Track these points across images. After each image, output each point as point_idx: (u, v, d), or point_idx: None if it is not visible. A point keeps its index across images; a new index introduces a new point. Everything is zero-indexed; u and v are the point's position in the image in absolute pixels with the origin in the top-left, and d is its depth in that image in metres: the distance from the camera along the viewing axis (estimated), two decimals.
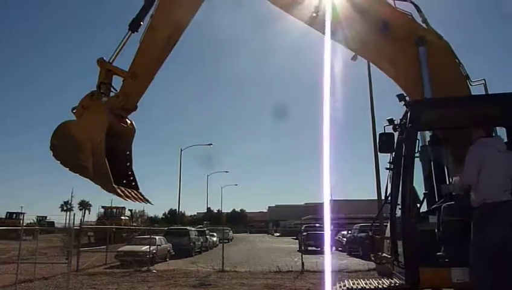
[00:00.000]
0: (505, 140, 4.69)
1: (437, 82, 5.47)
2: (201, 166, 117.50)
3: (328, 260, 15.76)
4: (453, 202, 4.81)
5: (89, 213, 79.32)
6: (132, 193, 6.82)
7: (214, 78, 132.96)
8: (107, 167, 6.35)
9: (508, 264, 4.05)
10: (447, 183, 5.60)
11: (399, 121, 5.28)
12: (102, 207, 43.67)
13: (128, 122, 7.13)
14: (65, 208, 70.21)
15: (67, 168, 6.88)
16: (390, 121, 5.38)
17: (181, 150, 41.86)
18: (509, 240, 4.08)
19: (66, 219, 54.17)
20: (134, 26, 6.88)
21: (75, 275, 13.75)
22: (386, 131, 5.33)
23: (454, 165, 5.43)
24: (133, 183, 7.01)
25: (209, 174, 62.63)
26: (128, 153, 7.12)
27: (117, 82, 7.06)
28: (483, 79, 5.44)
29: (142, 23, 6.87)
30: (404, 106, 4.97)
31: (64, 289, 9.93)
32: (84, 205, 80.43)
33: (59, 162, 6.87)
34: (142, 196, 7.01)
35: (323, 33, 6.05)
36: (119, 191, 6.50)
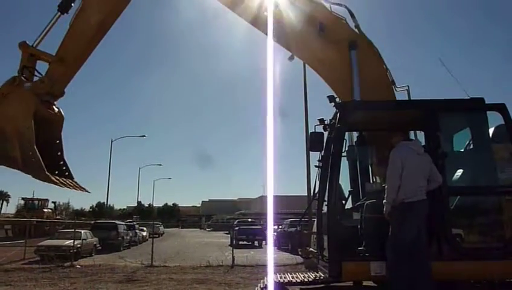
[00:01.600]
0: (423, 143, 5.09)
1: (365, 86, 5.75)
2: (133, 158, 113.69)
3: (271, 255, 15.97)
4: (375, 200, 5.10)
5: (7, 205, 73.36)
6: (67, 181, 6.42)
7: (151, 69, 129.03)
8: (38, 155, 5.86)
9: (420, 258, 4.39)
10: (371, 182, 5.95)
11: (329, 121, 5.49)
12: (23, 199, 40.60)
13: (56, 109, 6.66)
14: None
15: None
16: (321, 121, 5.58)
17: (112, 141, 40.19)
18: (422, 236, 4.43)
19: None
20: (64, 7, 6.43)
21: None
22: (317, 130, 5.54)
23: (378, 165, 5.77)
24: (67, 173, 6.58)
25: (141, 167, 60.96)
26: (58, 141, 6.66)
27: (42, 67, 6.56)
28: (407, 85, 5.85)
29: (72, 4, 6.44)
30: (334, 107, 5.17)
31: None
32: (2, 196, 74.21)
33: None
34: (78, 184, 6.64)
35: (265, 33, 6.12)
36: (54, 179, 6.06)
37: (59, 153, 6.61)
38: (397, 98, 5.85)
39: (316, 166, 5.67)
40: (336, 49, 5.95)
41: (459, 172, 4.96)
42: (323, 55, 6.05)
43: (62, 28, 6.52)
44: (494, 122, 4.89)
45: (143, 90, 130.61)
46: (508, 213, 4.64)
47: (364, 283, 5.52)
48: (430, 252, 4.53)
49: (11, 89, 6.22)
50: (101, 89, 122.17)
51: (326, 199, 5.07)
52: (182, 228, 68.66)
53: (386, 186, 4.63)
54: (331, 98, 5.17)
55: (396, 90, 5.92)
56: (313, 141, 5.23)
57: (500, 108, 4.75)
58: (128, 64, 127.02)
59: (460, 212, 4.74)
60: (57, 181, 6.12)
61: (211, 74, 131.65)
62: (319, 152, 5.57)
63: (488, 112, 4.83)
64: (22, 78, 6.29)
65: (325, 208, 5.15)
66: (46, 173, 5.90)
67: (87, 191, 6.75)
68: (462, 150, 5.31)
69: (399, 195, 4.51)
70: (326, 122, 5.53)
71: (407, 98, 5.77)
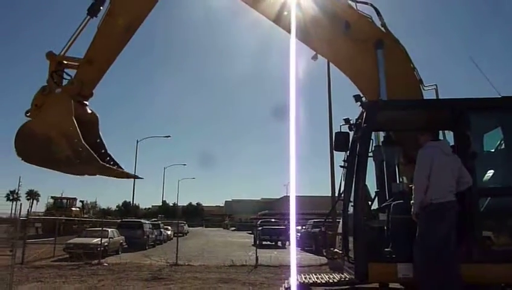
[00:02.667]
0: (451, 143, 4.97)
1: (392, 85, 5.66)
2: (158, 158, 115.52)
3: (294, 255, 15.94)
4: (402, 201, 5.02)
5: (37, 203, 75.71)
6: (120, 170, 6.67)
7: (177, 71, 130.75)
8: (89, 149, 6.07)
9: (449, 261, 4.29)
10: (398, 182, 5.85)
11: (355, 120, 5.44)
12: (52, 197, 41.87)
13: (89, 110, 6.86)
14: (11, 198, 66.51)
15: (47, 167, 6.50)
16: (347, 121, 5.53)
17: (137, 141, 40.95)
18: (451, 237, 4.33)
19: (12, 209, 51.47)
20: (93, 10, 6.60)
21: (20, 267, 13.11)
22: (342, 130, 5.49)
23: (405, 165, 5.67)
24: (116, 167, 6.80)
25: (166, 166, 61.85)
26: (99, 140, 6.86)
27: (71, 72, 6.75)
28: (435, 84, 5.72)
29: (101, 8, 6.60)
30: (360, 107, 5.12)
31: (7, 282, 9.44)
32: (32, 195, 76.65)
33: (33, 164, 6.47)
34: (129, 174, 6.92)
35: (288, 31, 6.11)
36: (110, 167, 6.34)
37: (103, 151, 6.80)
38: (425, 98, 5.74)
39: (341, 166, 5.62)
40: (361, 48, 5.88)
41: (490, 173, 4.83)
42: (349, 54, 6.00)
43: (87, 31, 6.70)
44: None
45: (168, 90, 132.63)
46: None
47: (391, 285, 5.46)
48: (459, 254, 4.43)
49: (43, 98, 6.42)
50: (126, 90, 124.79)
51: (352, 199, 5.02)
52: (205, 227, 69.24)
53: (413, 187, 4.55)
54: (357, 98, 5.11)
55: (424, 89, 5.81)
56: (338, 141, 5.19)
57: None
58: (153, 65, 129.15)
59: (490, 214, 4.62)
60: (115, 170, 6.34)
61: (235, 75, 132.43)
62: (344, 152, 5.52)
63: None
64: (53, 82, 6.48)
65: (350, 209, 5.10)
66: (102, 162, 6.10)
67: (141, 178, 7.35)
68: (493, 150, 5.15)
69: (427, 196, 4.43)
70: (351, 122, 5.48)
71: (435, 97, 5.64)
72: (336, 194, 6.11)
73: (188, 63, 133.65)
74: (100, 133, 6.92)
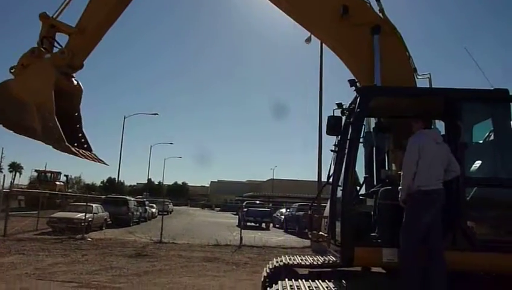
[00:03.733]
0: (443, 132, 5.01)
1: (386, 71, 5.64)
2: (145, 136, 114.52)
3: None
4: (389, 187, 5.06)
5: (20, 176, 74.70)
6: (87, 153, 6.47)
7: (170, 48, 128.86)
8: (59, 126, 5.88)
9: (433, 247, 4.36)
10: (387, 168, 5.90)
11: (348, 105, 5.42)
12: (36, 171, 41.36)
13: (75, 82, 6.67)
14: None
15: (12, 131, 6.31)
16: (339, 105, 5.51)
17: (124, 117, 40.45)
18: (437, 224, 4.40)
19: None
20: None
21: (3, 239, 13.02)
22: (335, 115, 5.47)
23: (395, 152, 5.70)
24: (85, 146, 6.62)
25: (153, 144, 61.45)
26: (77, 114, 6.68)
27: (62, 40, 6.54)
28: (429, 73, 5.73)
29: None
30: (355, 92, 5.09)
31: None
32: (15, 167, 75.55)
33: (3, 126, 6.29)
34: (97, 156, 6.67)
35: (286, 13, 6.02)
36: (74, 150, 6.10)
37: (78, 126, 6.63)
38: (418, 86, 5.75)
39: (331, 150, 5.62)
40: (358, 33, 5.82)
41: (478, 163, 4.88)
42: (346, 38, 5.94)
43: (79, 2, 6.49)
44: None
45: (157, 69, 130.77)
46: None
47: (373, 269, 5.56)
48: (445, 242, 4.51)
49: (30, 60, 6.21)
50: (119, 65, 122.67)
51: (341, 183, 5.04)
52: (190, 206, 69.40)
53: (402, 173, 4.58)
54: (351, 82, 5.08)
55: (417, 78, 5.81)
56: (331, 125, 5.16)
57: None
58: (146, 42, 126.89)
59: (476, 204, 4.68)
60: (77, 152, 6.15)
61: (225, 55, 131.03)
62: (335, 136, 5.52)
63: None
64: (42, 49, 6.29)
65: (339, 193, 5.13)
66: (67, 143, 5.93)
67: (105, 164, 6.75)
68: (482, 141, 5.21)
69: (415, 182, 4.47)
70: (344, 107, 5.47)
71: (428, 86, 5.65)
72: (325, 179, 6.12)
73: (181, 41, 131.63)
74: (80, 106, 6.73)
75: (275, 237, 19.92)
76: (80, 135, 6.59)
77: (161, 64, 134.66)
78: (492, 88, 4.82)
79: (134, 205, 25.68)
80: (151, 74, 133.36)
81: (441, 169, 4.46)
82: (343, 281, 4.59)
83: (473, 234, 4.52)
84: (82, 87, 6.74)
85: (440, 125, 5.62)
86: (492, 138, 5.00)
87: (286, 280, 4.65)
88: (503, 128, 4.79)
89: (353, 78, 5.59)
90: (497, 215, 4.75)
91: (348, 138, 4.97)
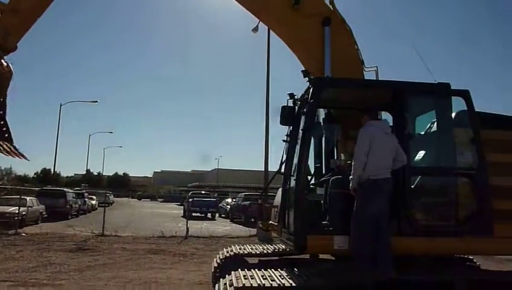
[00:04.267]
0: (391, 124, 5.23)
1: (336, 63, 5.75)
2: (83, 124, 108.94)
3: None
4: (339, 176, 5.20)
5: None
6: (4, 146, 5.87)
7: (109, 31, 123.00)
8: None
9: (382, 234, 4.55)
10: (336, 158, 6.05)
11: (300, 96, 5.47)
12: None
13: (4, 64, 6.07)
14: None
15: None
16: (291, 96, 5.54)
17: (61, 105, 38.14)
18: (385, 212, 4.59)
19: None
20: None
21: None
22: (286, 105, 5.49)
23: (344, 142, 5.86)
24: (6, 135, 6.01)
25: (92, 133, 58.73)
26: (2, 99, 6.08)
27: None
28: (376, 66, 5.92)
29: None
30: (308, 82, 5.14)
31: None
32: None
33: None
34: (17, 150, 6.05)
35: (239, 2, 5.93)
36: None
37: (1, 112, 6.04)
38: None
39: (284, 141, 5.66)
40: (309, 24, 5.88)
41: (422, 153, 5.15)
42: (297, 29, 5.97)
43: None
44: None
45: (95, 54, 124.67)
46: (462, 194, 4.89)
47: (321, 256, 5.72)
48: (392, 228, 4.72)
49: None
50: (52, 47, 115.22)
51: (294, 173, 5.09)
52: (132, 198, 67.39)
53: (353, 163, 4.72)
54: (304, 73, 5.13)
55: (365, 71, 5.98)
56: (285, 115, 5.19)
57: (465, 94, 4.94)
58: (80, 23, 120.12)
59: (420, 192, 4.94)
60: None
61: (169, 37, 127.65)
62: (287, 127, 5.56)
63: (452, 98, 5.01)
64: None
65: (291, 183, 5.19)
66: None
67: (26, 159, 6.14)
68: (423, 133, 5.50)
69: (365, 172, 4.62)
70: (296, 97, 5.51)
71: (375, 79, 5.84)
72: (270, 169, 6.16)
73: (121, 24, 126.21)
74: (7, 91, 6.12)
75: (221, 227, 19.90)
76: (2, 122, 5.99)
77: (103, 54, 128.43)
78: (435, 82, 5.07)
79: (73, 197, 24.47)
80: (95, 62, 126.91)
81: (389, 159, 4.65)
82: (295, 269, 4.65)
83: (416, 221, 4.77)
84: (12, 70, 6.16)
85: (386, 116, 5.86)
86: (434, 129, 5.30)
87: (239, 269, 4.63)
88: (444, 120, 5.07)
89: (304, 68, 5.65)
90: (438, 202, 5.05)
91: (301, 128, 5.02)
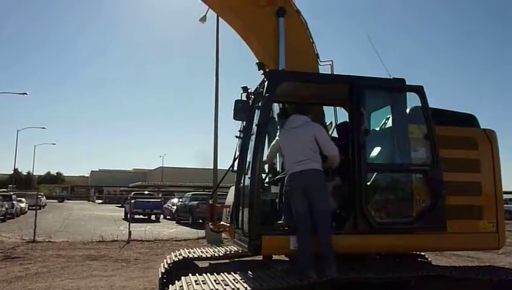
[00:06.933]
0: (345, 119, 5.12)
1: (290, 56, 5.57)
2: (10, 119, 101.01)
3: None
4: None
5: None
6: None
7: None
8: None
9: (320, 231, 4.38)
10: None
11: (254, 89, 5.21)
12: None
13: None
14: None
15: None
16: (245, 89, 5.26)
17: None
18: (318, 209, 4.42)
19: None
20: None
21: None
22: (240, 99, 5.20)
23: None
24: None
25: (20, 129, 54.65)
26: None
27: None
28: (331, 60, 5.81)
29: None
30: (263, 75, 4.88)
31: None
32: None
33: None
34: None
35: None
36: None
37: None
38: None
39: (236, 136, 5.37)
40: (263, 15, 5.64)
41: (377, 150, 5.09)
42: (250, 19, 5.72)
43: None
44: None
45: (27, 44, 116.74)
46: (416, 191, 4.88)
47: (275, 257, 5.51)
48: (346, 227, 4.60)
49: None
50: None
51: (247, 171, 4.81)
52: (67, 200, 63.62)
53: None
54: (260, 66, 4.84)
55: (320, 64, 5.85)
56: (238, 110, 4.88)
57: (419, 90, 4.93)
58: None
59: (375, 189, 4.86)
60: None
61: (104, 25, 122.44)
62: (239, 122, 5.28)
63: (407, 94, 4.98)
64: None
65: (245, 181, 4.90)
66: None
67: None
68: (378, 129, 5.46)
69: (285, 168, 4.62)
70: (250, 91, 5.24)
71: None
72: (219, 167, 5.85)
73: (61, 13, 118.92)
74: None
75: (167, 229, 19.16)
76: None
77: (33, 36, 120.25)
78: (391, 77, 5.03)
79: None
80: (20, 48, 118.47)
81: (296, 154, 4.54)
82: (249, 271, 4.38)
83: (372, 218, 4.67)
84: None
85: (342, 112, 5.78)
86: (389, 125, 5.26)
87: (190, 274, 4.28)
88: (399, 116, 5.04)
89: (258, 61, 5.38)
90: (394, 199, 5.01)
91: (256, 123, 4.76)
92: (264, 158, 4.90)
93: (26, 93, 41.06)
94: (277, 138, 4.92)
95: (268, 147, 5.88)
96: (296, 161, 4.49)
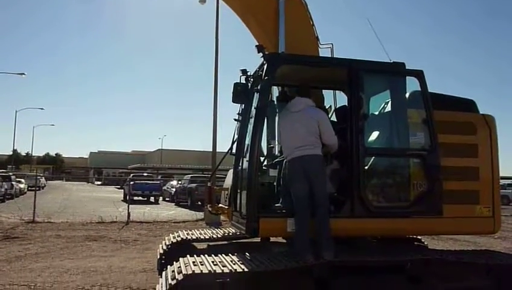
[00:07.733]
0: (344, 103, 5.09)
1: (291, 38, 5.49)
2: (9, 99, 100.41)
3: None
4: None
5: None
6: None
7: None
8: None
9: (318, 215, 4.39)
10: None
11: (253, 72, 5.17)
12: None
13: None
14: None
15: None
16: (244, 72, 5.21)
17: None
18: (317, 191, 4.42)
19: None
20: None
21: None
22: (239, 82, 5.15)
23: None
24: None
25: (19, 110, 54.41)
26: None
27: None
28: (331, 43, 5.73)
29: None
30: (262, 58, 4.84)
31: None
32: None
33: None
34: None
35: None
36: None
37: None
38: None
39: (235, 119, 5.36)
40: None
41: (375, 134, 5.08)
42: (251, 1, 5.63)
43: None
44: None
45: (24, 23, 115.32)
46: (414, 175, 4.89)
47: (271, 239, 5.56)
48: (344, 210, 4.63)
49: None
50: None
51: (245, 154, 4.82)
52: (66, 180, 63.77)
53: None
54: (259, 48, 4.79)
55: (320, 47, 5.79)
56: (237, 92, 4.84)
57: (418, 74, 4.89)
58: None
59: (373, 173, 4.88)
60: None
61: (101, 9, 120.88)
62: (238, 105, 5.25)
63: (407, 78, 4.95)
64: None
65: (243, 164, 4.92)
66: None
67: None
68: (377, 113, 5.44)
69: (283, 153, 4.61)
70: (249, 74, 5.19)
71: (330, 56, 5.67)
72: (219, 149, 5.85)
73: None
74: None
75: (166, 211, 19.31)
76: None
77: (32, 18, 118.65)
78: (390, 61, 4.99)
79: None
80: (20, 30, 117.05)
81: (296, 139, 4.52)
82: (247, 253, 4.42)
83: (369, 202, 4.70)
84: None
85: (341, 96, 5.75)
86: (388, 109, 5.24)
87: (188, 255, 4.32)
88: (398, 101, 5.02)
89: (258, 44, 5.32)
90: (391, 183, 5.02)
91: (255, 106, 4.74)
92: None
93: (24, 74, 40.82)
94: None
95: (269, 130, 5.91)
96: (297, 146, 4.46)
